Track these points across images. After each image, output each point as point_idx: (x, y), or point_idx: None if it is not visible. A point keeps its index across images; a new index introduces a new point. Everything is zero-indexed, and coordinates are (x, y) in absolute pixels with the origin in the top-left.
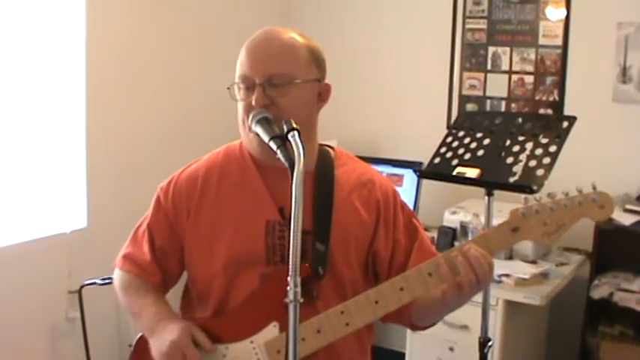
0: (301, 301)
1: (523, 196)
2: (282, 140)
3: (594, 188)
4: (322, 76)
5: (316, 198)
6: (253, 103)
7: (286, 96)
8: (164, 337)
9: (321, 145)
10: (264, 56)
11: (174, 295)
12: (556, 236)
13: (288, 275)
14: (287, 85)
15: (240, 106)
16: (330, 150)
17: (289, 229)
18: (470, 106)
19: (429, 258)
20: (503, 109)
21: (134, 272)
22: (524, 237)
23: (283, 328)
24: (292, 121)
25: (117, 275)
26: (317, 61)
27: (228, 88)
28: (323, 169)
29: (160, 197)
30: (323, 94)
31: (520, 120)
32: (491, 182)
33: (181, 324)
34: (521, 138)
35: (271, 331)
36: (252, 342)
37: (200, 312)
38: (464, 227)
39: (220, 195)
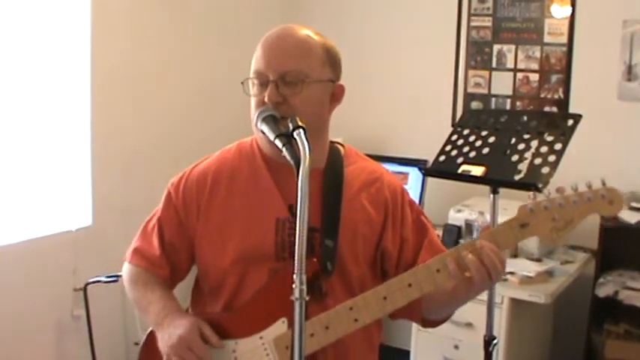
0: (307, 298)
1: (531, 192)
2: (288, 138)
3: (603, 184)
4: (336, 76)
5: (325, 195)
6: (266, 99)
7: (299, 95)
8: (171, 332)
9: (331, 142)
10: (278, 53)
11: (185, 289)
12: (564, 232)
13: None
14: (300, 84)
15: (253, 101)
16: (341, 148)
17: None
18: (475, 104)
19: (437, 247)
20: (508, 106)
21: (143, 266)
22: (532, 233)
23: (292, 324)
24: (298, 119)
25: (126, 269)
26: (332, 61)
27: (242, 83)
28: (332, 166)
29: (170, 193)
30: (336, 94)
31: (525, 118)
32: (497, 180)
33: (189, 319)
34: (526, 136)
35: (280, 327)
36: (261, 337)
37: (210, 306)
38: (469, 225)
39: (231, 192)
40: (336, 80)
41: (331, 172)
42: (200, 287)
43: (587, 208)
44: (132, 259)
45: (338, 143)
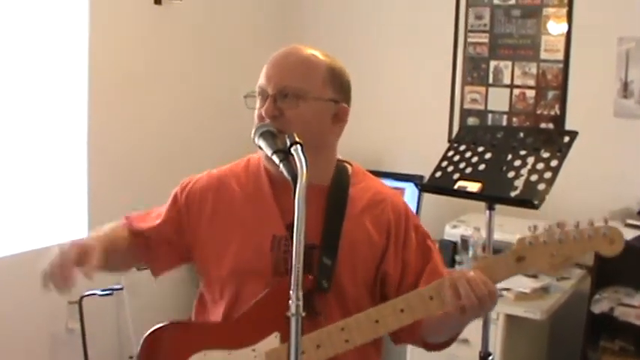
0: (303, 314)
1: (531, 224)
2: (285, 154)
3: (606, 222)
4: (341, 98)
5: (327, 213)
6: (263, 113)
7: (295, 109)
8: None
9: (340, 160)
10: (280, 69)
11: (186, 301)
12: (562, 268)
13: (290, 287)
14: (297, 99)
15: (255, 115)
16: (349, 166)
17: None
18: (471, 120)
19: (439, 275)
20: (504, 123)
21: (124, 222)
22: (529, 267)
23: (284, 339)
24: (295, 135)
25: None
26: (336, 82)
27: (245, 97)
28: (337, 185)
29: (177, 194)
30: (339, 115)
31: (521, 134)
32: (493, 196)
33: (83, 240)
34: (522, 152)
35: (273, 341)
36: (254, 350)
37: (212, 317)
38: (465, 241)
39: (233, 205)
40: (341, 101)
41: (336, 191)
42: (204, 298)
43: (587, 245)
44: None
45: (347, 162)
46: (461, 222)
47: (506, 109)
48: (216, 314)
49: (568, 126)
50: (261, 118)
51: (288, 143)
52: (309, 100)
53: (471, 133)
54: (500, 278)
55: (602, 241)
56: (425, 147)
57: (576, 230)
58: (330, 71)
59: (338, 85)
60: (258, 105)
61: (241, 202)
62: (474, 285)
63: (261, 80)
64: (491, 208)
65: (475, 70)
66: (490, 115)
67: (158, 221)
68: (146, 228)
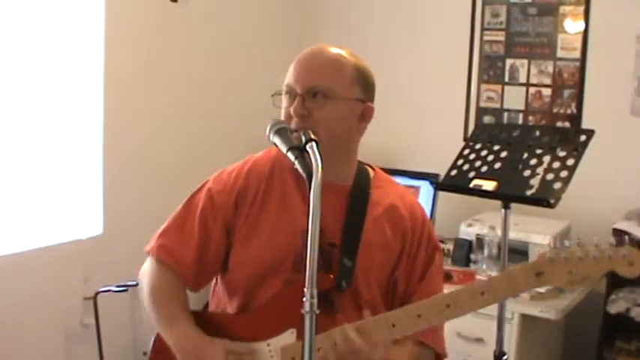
0: (317, 312)
1: (549, 243)
2: (300, 151)
3: (626, 243)
4: (367, 97)
5: (349, 214)
6: (291, 112)
7: (323, 109)
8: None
9: (361, 163)
10: (308, 68)
11: (201, 296)
12: (580, 286)
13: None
14: (326, 99)
15: (282, 113)
16: (370, 170)
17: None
18: (487, 119)
19: (431, 290)
20: (520, 121)
21: (170, 264)
22: (547, 282)
23: (300, 335)
24: (310, 132)
25: (150, 266)
26: (363, 81)
27: (273, 95)
28: (359, 187)
29: (231, 177)
30: (365, 115)
31: (538, 133)
32: (508, 195)
33: (219, 348)
34: (538, 151)
35: (288, 337)
36: (269, 344)
37: (228, 304)
38: (480, 240)
39: (267, 197)
40: (367, 101)
41: (358, 192)
42: (218, 286)
43: (606, 265)
44: (158, 254)
45: (368, 165)
46: (476, 221)
47: (522, 107)
48: (232, 305)
49: (584, 125)
50: (288, 117)
51: (304, 140)
52: (337, 100)
53: (487, 132)
54: (520, 291)
55: (621, 262)
56: (440, 145)
57: (597, 249)
58: (357, 71)
59: (364, 85)
60: (285, 104)
61: (279, 195)
62: None
63: (289, 79)
64: (506, 206)
65: (491, 69)
66: (506, 114)
67: (196, 240)
68: (192, 259)
